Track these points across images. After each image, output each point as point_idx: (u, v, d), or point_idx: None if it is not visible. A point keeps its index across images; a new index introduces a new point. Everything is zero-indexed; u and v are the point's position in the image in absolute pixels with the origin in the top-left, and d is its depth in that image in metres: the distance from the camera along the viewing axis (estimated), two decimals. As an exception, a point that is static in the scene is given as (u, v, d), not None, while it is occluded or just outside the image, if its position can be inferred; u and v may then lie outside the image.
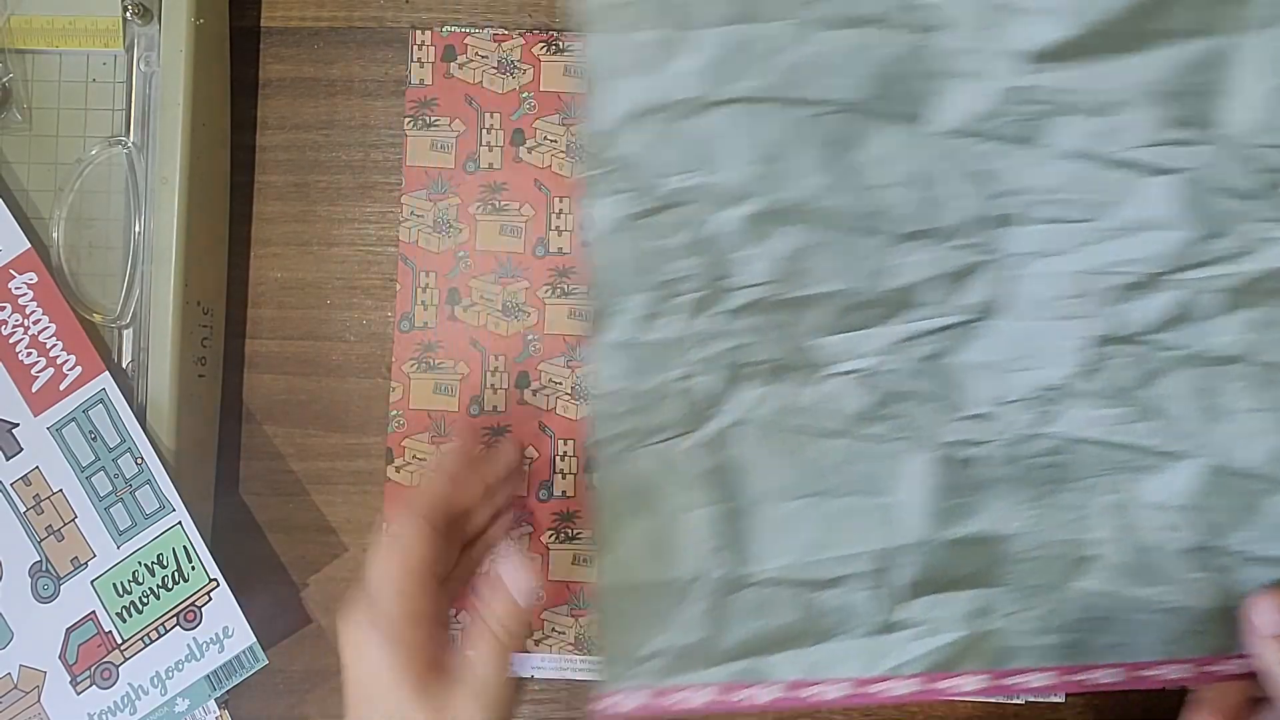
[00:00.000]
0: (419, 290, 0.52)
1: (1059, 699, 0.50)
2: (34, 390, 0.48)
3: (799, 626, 0.42)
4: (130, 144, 0.49)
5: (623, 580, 0.42)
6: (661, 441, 0.42)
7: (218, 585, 0.47)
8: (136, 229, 0.49)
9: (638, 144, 0.42)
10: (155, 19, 0.48)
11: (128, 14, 0.49)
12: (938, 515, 0.42)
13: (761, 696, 0.42)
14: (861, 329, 0.42)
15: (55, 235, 0.49)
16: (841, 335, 0.42)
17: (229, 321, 0.52)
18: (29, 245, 0.48)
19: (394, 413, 0.52)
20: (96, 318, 0.49)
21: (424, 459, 0.52)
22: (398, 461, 0.52)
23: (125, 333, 0.49)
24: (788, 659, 0.42)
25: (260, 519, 0.52)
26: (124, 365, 0.49)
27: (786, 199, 0.42)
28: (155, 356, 0.48)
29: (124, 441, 0.47)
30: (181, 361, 0.48)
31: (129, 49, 0.49)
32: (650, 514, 0.42)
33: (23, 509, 0.48)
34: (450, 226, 0.52)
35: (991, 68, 0.42)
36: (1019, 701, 0.50)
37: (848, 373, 0.42)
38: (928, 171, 0.42)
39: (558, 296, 0.52)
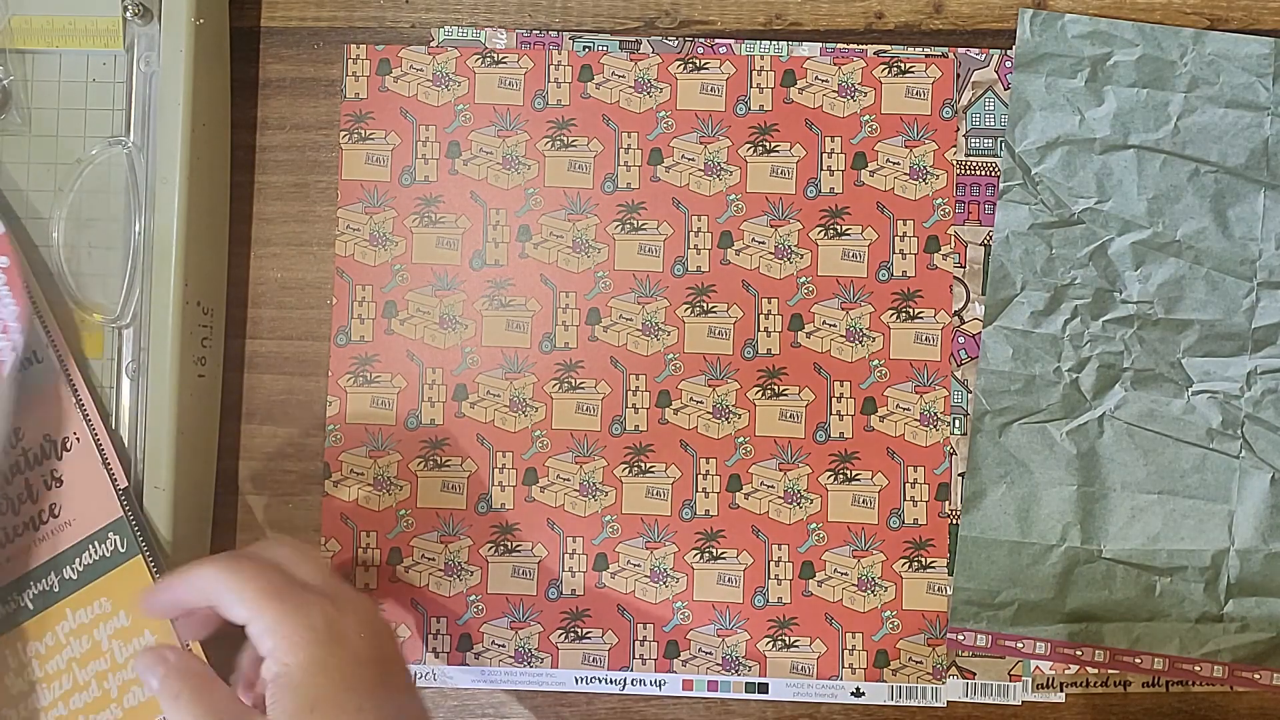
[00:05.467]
0: (355, 304, 0.52)
1: (1059, 699, 0.50)
2: None
3: (1134, 603, 0.50)
4: (130, 144, 0.49)
5: (985, 534, 0.50)
6: (1040, 422, 0.50)
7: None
8: (136, 229, 0.49)
9: (1055, 167, 0.50)
10: (155, 19, 0.48)
11: (128, 14, 0.49)
12: (1267, 529, 0.50)
13: (1089, 657, 0.50)
14: (1225, 356, 0.50)
15: (55, 235, 0.49)
16: (1207, 359, 0.50)
17: (229, 321, 0.52)
18: (4, 230, 0.47)
19: (330, 427, 0.52)
20: (96, 318, 0.49)
21: (361, 473, 0.52)
22: (335, 476, 0.52)
23: (125, 333, 0.49)
24: (1119, 629, 0.50)
25: (260, 519, 0.52)
26: (124, 365, 0.49)
27: (1171, 234, 0.50)
28: (155, 356, 0.48)
29: None
30: (181, 361, 0.48)
31: (129, 49, 0.49)
32: (1019, 482, 0.50)
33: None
34: (386, 240, 0.52)
35: None
36: (1017, 702, 0.51)
37: (1210, 393, 0.50)
38: None
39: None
